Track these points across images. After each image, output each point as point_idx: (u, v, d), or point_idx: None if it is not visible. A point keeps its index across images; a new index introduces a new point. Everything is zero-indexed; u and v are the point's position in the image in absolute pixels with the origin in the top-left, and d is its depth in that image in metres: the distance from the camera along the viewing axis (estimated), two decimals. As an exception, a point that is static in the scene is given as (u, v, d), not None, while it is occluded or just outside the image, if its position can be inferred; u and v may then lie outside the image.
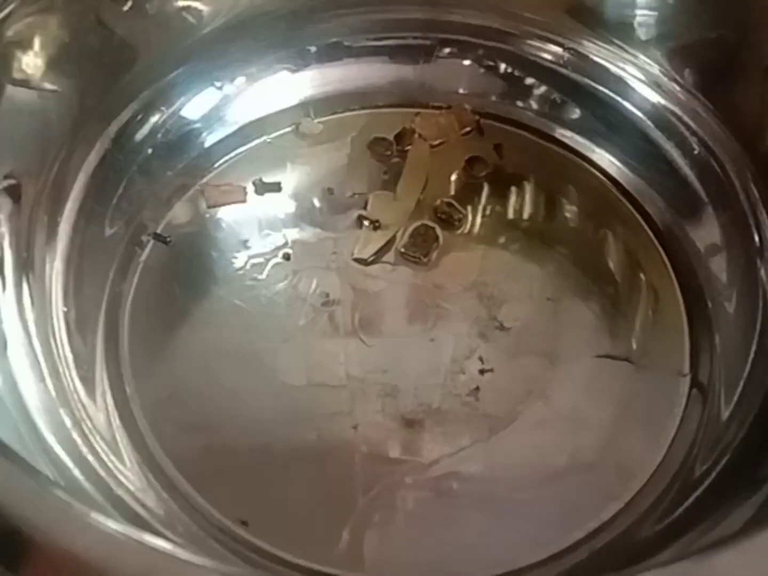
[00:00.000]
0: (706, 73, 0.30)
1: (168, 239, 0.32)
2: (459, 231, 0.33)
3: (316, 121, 0.36)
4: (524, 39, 0.36)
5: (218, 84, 0.35)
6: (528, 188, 0.34)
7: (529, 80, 0.36)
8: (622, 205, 0.33)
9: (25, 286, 0.27)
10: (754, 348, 0.27)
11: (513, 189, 0.34)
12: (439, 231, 0.33)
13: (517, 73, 0.36)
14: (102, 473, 0.25)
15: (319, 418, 0.28)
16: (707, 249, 0.30)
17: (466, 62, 0.37)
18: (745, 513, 0.21)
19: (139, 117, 0.32)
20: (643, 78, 0.33)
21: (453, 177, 0.35)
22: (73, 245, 0.30)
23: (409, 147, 0.36)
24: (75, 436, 0.25)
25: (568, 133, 0.35)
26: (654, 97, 0.33)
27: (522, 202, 0.34)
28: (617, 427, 0.28)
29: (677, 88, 0.32)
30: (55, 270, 0.28)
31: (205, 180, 0.34)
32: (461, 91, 0.37)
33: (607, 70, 0.34)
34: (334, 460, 0.27)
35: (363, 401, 0.28)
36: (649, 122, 0.33)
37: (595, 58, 0.34)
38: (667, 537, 0.24)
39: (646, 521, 0.26)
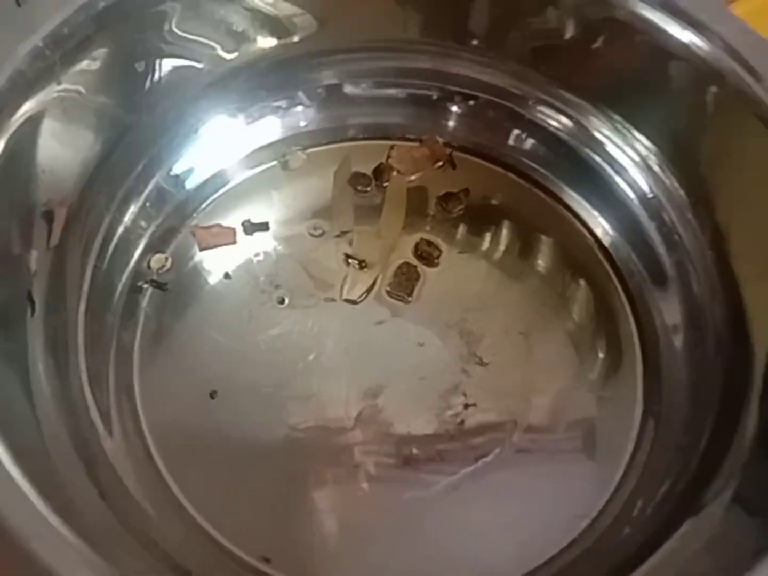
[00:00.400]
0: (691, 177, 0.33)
1: (165, 286, 0.34)
2: (438, 268, 0.36)
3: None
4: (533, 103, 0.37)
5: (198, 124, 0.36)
6: (504, 227, 0.37)
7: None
8: (595, 255, 0.36)
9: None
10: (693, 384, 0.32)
11: (489, 226, 0.37)
12: (420, 269, 0.36)
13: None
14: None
15: (321, 455, 0.31)
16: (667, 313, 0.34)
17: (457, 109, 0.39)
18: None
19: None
20: (638, 161, 0.35)
21: (430, 212, 0.38)
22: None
23: (387, 183, 0.38)
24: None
25: (550, 176, 0.38)
26: (643, 181, 0.36)
27: (498, 240, 0.37)
28: (584, 450, 0.32)
29: (668, 181, 0.34)
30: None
31: (193, 221, 0.35)
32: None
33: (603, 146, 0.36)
34: (336, 491, 0.30)
35: (362, 442, 0.31)
36: (635, 200, 0.36)
37: (595, 133, 0.36)
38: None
39: (610, 534, 0.30)
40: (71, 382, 0.28)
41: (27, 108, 0.26)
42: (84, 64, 0.28)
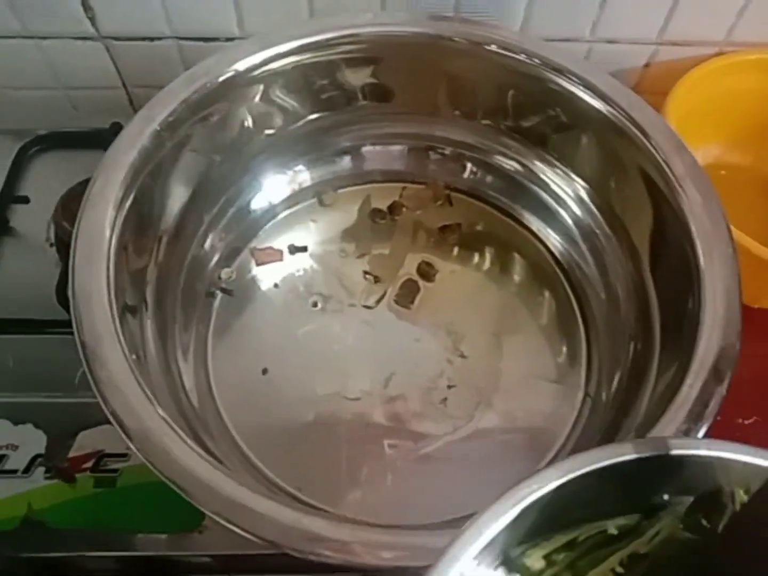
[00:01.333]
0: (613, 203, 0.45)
1: (231, 292, 0.46)
2: (434, 283, 0.48)
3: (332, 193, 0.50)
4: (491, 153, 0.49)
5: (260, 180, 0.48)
6: (486, 249, 0.49)
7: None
8: (554, 271, 0.48)
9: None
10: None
11: (475, 249, 0.48)
12: (421, 284, 0.47)
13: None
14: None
15: (343, 415, 0.42)
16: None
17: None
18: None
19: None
20: (573, 197, 0.47)
21: (431, 239, 0.49)
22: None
23: (398, 217, 0.50)
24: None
25: (524, 213, 0.49)
26: (579, 212, 0.47)
27: (482, 260, 0.48)
28: (541, 420, 0.43)
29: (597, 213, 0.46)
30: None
31: (252, 244, 0.48)
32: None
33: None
34: (354, 443, 0.42)
35: (372, 407, 0.43)
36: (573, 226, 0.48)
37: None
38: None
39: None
40: (169, 358, 0.40)
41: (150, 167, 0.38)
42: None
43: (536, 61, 0.42)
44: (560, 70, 0.41)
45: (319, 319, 0.46)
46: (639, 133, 0.39)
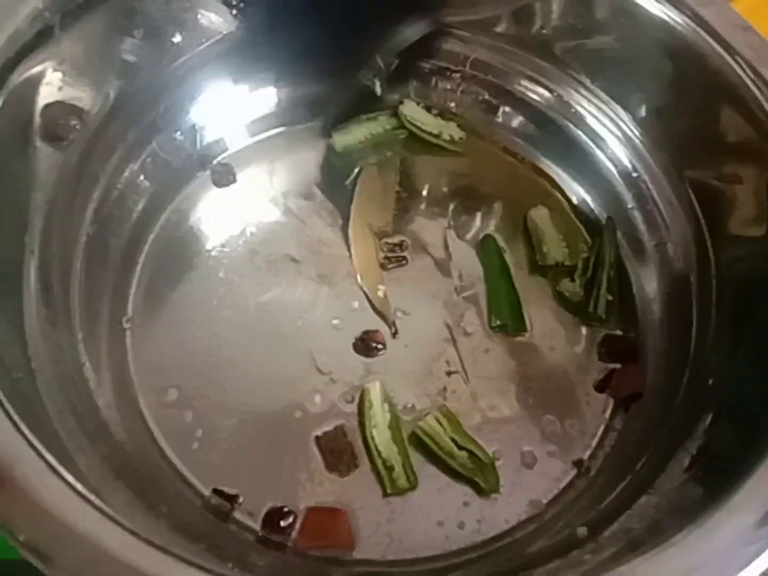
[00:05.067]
0: (675, 146, 0.34)
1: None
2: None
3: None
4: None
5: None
6: (496, 206, 0.38)
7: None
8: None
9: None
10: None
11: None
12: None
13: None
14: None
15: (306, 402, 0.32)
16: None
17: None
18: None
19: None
20: (619, 136, 0.36)
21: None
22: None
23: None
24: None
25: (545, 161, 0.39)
26: (623, 154, 0.37)
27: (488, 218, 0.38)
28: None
29: (646, 152, 0.35)
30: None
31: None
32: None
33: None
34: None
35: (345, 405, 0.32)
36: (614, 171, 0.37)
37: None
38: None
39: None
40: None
41: (25, 68, 0.26)
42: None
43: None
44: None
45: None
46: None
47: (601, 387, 0.33)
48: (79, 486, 0.20)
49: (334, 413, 0.31)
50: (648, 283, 0.35)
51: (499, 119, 0.39)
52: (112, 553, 0.19)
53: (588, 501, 0.30)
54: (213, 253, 0.35)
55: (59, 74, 0.28)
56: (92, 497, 0.20)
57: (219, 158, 0.37)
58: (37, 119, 0.28)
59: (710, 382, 0.30)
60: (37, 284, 0.28)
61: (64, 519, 0.19)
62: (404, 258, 0.36)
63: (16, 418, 0.20)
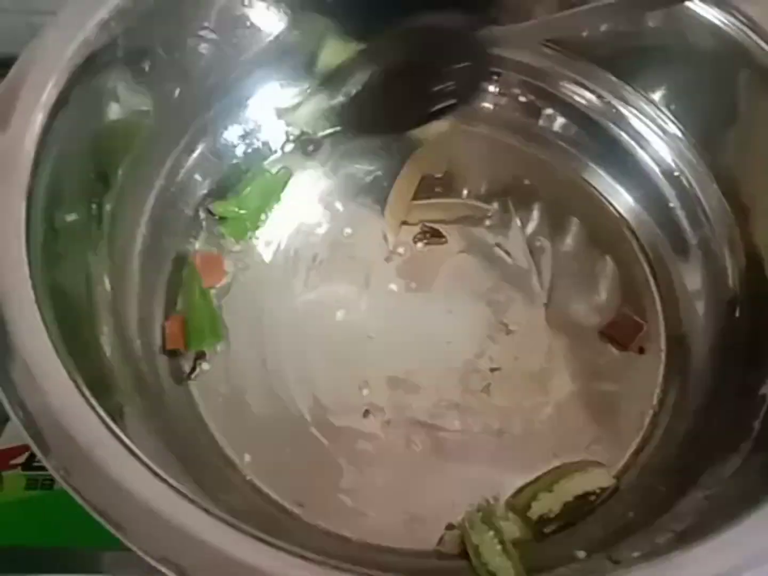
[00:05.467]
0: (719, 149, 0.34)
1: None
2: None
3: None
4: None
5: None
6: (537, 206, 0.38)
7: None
8: (622, 234, 0.38)
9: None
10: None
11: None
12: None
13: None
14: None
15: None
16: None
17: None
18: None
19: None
20: (662, 135, 0.37)
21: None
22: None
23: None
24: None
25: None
26: (666, 152, 0.37)
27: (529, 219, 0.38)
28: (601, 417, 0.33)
29: (690, 154, 0.36)
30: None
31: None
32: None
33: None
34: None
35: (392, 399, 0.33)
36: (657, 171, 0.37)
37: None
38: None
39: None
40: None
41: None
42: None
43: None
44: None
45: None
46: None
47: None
48: (153, 465, 0.21)
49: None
50: (691, 281, 0.35)
51: (542, 122, 0.40)
52: (186, 528, 0.20)
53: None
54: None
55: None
56: (164, 474, 0.21)
57: (267, 161, 0.38)
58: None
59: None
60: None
61: (137, 495, 0.20)
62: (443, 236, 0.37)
63: (94, 402, 0.22)
